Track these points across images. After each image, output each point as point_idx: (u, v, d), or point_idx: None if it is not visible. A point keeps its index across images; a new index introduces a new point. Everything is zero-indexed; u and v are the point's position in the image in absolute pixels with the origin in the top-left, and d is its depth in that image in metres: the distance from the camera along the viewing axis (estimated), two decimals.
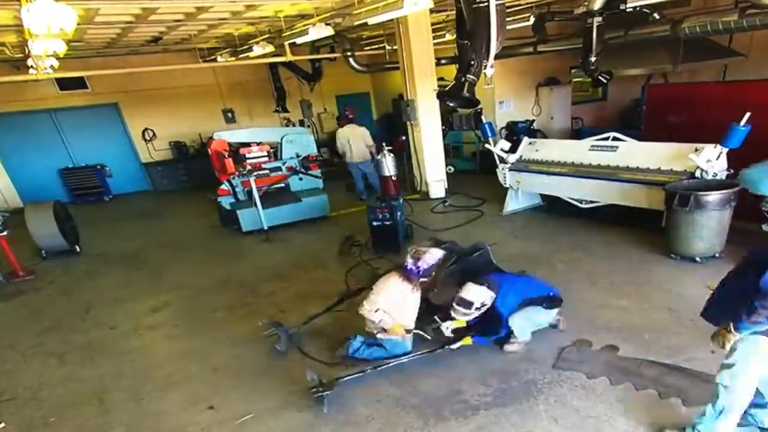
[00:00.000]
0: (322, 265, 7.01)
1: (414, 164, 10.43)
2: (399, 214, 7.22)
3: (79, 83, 12.73)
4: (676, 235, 5.73)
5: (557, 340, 4.47)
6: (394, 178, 8.32)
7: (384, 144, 8.40)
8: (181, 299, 6.42)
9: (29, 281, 7.52)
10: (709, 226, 5.47)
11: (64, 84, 12.54)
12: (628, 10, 7.12)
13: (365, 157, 10.24)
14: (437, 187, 10.12)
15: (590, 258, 6.25)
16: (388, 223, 7.01)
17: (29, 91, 12.15)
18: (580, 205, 7.42)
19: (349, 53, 10.96)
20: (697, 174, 5.86)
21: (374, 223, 7.08)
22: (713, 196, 5.32)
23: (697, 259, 5.70)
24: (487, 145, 8.44)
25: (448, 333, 4.44)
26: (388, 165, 8.21)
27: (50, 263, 8.23)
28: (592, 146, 7.31)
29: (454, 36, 6.26)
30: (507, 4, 7.70)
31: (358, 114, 11.30)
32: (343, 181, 11.31)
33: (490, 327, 4.34)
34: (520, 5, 9.29)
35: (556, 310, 4.52)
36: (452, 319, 4.38)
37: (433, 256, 4.67)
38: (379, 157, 8.34)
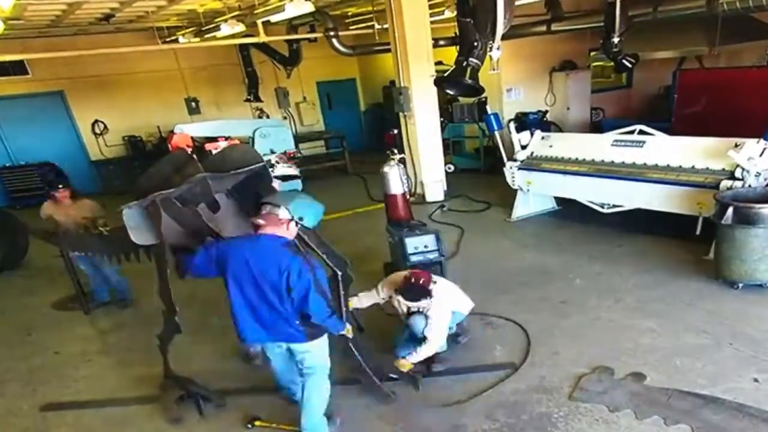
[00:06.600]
0: None
1: (408, 162, 10.37)
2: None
3: (18, 68, 12.65)
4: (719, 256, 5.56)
5: (573, 367, 4.47)
6: (404, 196, 6.65)
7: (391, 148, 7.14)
8: (136, 319, 6.34)
9: None
10: (752, 247, 5.21)
11: (0, 69, 12.42)
12: None
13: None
14: (435, 189, 10.10)
15: (612, 271, 6.24)
16: None
17: None
18: (600, 209, 7.43)
19: (332, 33, 10.97)
20: (737, 173, 5.85)
21: None
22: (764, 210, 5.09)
23: (739, 285, 5.45)
24: (498, 139, 8.42)
25: None
26: (394, 179, 6.50)
27: None
28: (615, 141, 7.33)
29: (455, 13, 6.28)
30: None
31: (343, 103, 11.14)
32: (331, 180, 11.17)
33: None
34: None
35: None
36: None
37: None
38: (384, 169, 6.64)
